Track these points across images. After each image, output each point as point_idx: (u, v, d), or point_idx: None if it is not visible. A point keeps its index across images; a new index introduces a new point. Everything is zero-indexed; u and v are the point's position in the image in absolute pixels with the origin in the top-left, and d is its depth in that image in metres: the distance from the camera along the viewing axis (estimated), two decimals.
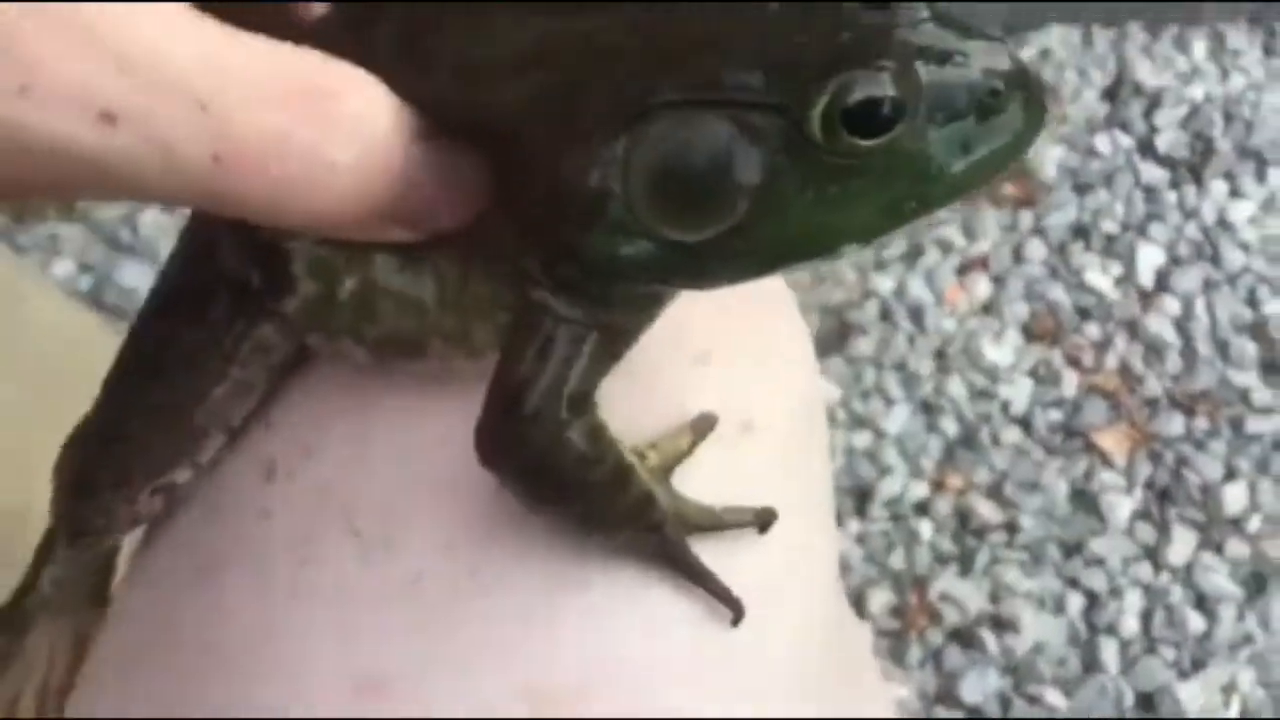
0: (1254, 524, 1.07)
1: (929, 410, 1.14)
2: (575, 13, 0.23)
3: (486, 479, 0.25)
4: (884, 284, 1.20)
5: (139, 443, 0.29)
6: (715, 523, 0.26)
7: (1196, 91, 1.30)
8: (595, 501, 0.25)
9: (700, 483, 0.27)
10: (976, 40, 0.22)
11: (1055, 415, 1.13)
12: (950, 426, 1.12)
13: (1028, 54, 1.33)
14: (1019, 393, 1.14)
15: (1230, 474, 1.09)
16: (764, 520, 0.27)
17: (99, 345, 0.34)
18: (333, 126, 0.21)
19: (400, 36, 0.24)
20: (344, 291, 0.26)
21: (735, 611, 0.26)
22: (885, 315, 1.19)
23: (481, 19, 0.24)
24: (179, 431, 0.29)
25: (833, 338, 1.18)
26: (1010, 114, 0.22)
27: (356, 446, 0.27)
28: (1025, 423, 1.13)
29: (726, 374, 0.29)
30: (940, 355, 1.17)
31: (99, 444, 0.30)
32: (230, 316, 0.28)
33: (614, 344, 0.25)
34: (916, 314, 1.18)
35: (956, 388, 1.14)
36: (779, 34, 0.22)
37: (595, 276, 0.23)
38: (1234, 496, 1.07)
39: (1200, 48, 1.33)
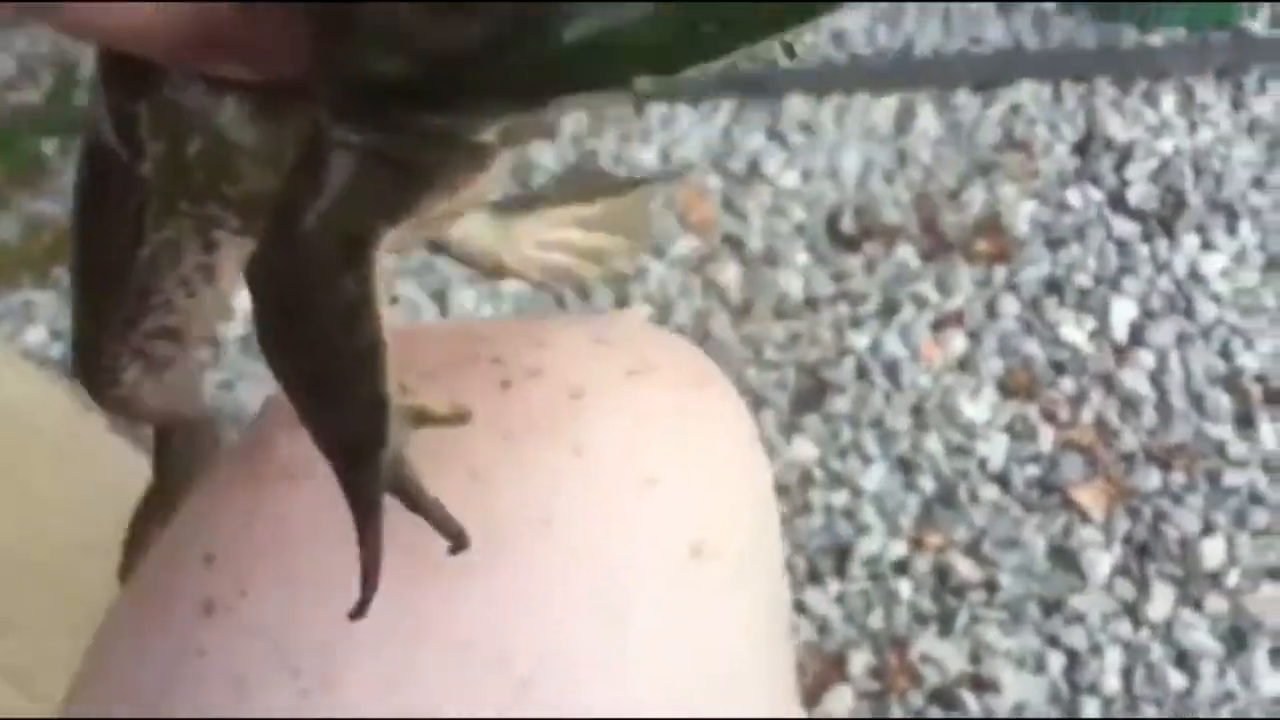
0: (1232, 578, 1.06)
1: (906, 468, 1.13)
2: None
3: (429, 617, 0.24)
4: (859, 341, 1.20)
5: (98, 319, 0.31)
6: (419, 492, 0.23)
7: (1166, 145, 1.31)
8: (331, 372, 0.22)
9: (646, 610, 0.26)
10: None
11: (1032, 471, 1.13)
12: (928, 484, 1.12)
13: (999, 109, 1.35)
14: (996, 449, 1.14)
15: (1208, 528, 1.09)
16: (457, 541, 0.23)
17: (65, 412, 0.35)
18: None
19: None
20: (192, 148, 0.25)
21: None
22: (861, 373, 1.19)
23: None
24: (123, 299, 0.30)
25: (809, 396, 1.18)
26: None
27: (294, 586, 0.27)
28: (1003, 479, 1.13)
29: (675, 497, 0.28)
30: (917, 412, 1.17)
31: (77, 341, 0.33)
32: (121, 191, 0.28)
33: (407, 186, 0.22)
34: (892, 370, 1.18)
35: (933, 444, 1.14)
36: None
37: (362, 96, 0.21)
38: (1212, 551, 1.07)
39: (1169, 102, 1.35)
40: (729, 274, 1.25)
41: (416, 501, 0.23)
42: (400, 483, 0.22)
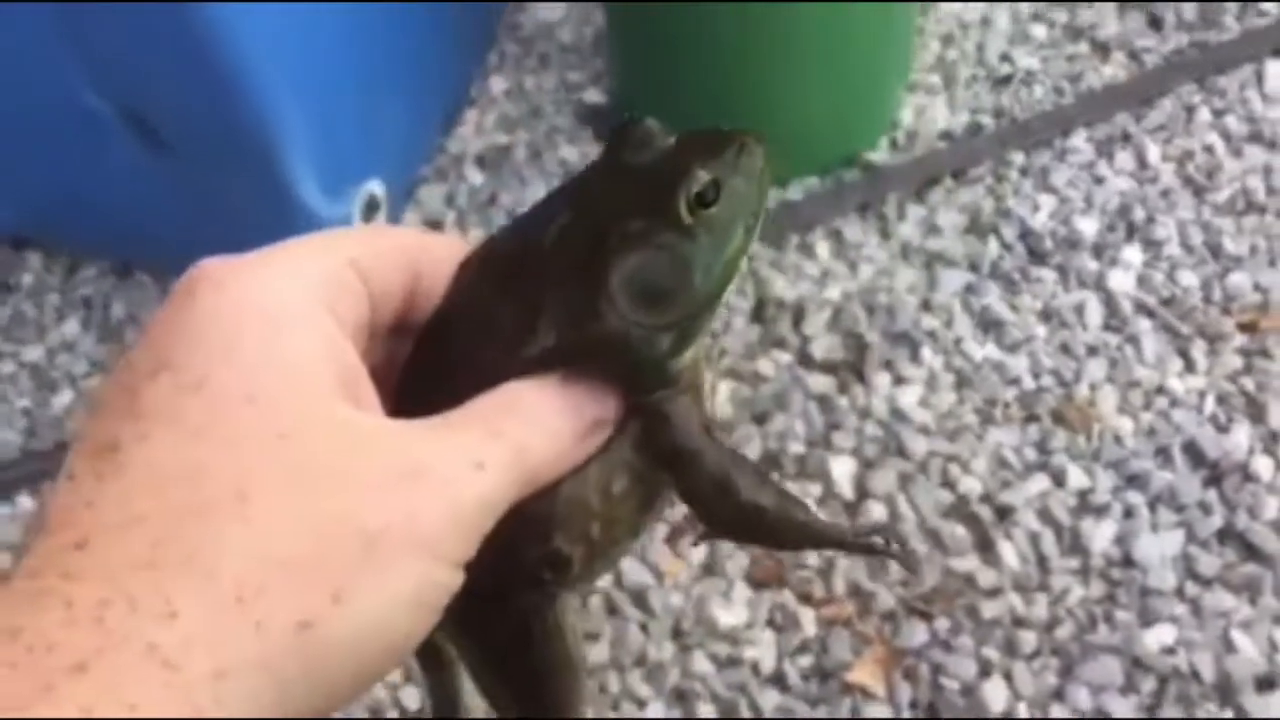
0: (1022, 712, 1.05)
1: (682, 698, 1.08)
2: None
3: None
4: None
5: None
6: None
7: (834, 292, 1.34)
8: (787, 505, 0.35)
9: None
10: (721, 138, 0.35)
11: (805, 661, 1.10)
12: (707, 710, 1.07)
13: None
14: (764, 650, 1.10)
15: (984, 668, 1.08)
16: None
17: None
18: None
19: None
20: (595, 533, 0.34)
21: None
22: (612, 609, 1.14)
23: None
24: None
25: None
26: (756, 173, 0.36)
27: None
28: (779, 680, 1.09)
29: None
30: (678, 634, 1.12)
31: None
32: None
33: (696, 392, 0.35)
34: (641, 599, 1.14)
35: (703, 664, 1.10)
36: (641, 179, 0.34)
37: (653, 375, 0.33)
38: (994, 692, 1.06)
39: (824, 249, 1.38)
40: None
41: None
42: None
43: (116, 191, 1.25)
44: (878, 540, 0.36)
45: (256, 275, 0.28)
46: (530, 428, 0.30)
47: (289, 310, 0.27)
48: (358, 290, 0.30)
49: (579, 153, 1.48)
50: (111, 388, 0.27)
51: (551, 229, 0.33)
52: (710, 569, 1.16)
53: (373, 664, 0.27)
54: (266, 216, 1.22)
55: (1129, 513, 1.16)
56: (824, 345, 1.30)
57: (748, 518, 0.34)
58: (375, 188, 1.31)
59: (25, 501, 1.23)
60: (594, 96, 1.56)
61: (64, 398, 1.31)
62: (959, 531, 1.16)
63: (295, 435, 0.26)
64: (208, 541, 0.24)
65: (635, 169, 0.33)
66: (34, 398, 1.32)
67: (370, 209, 1.31)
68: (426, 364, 0.33)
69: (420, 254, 0.32)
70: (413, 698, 1.09)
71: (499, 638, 0.36)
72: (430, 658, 0.45)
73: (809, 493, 1.19)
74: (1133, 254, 1.35)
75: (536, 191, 1.44)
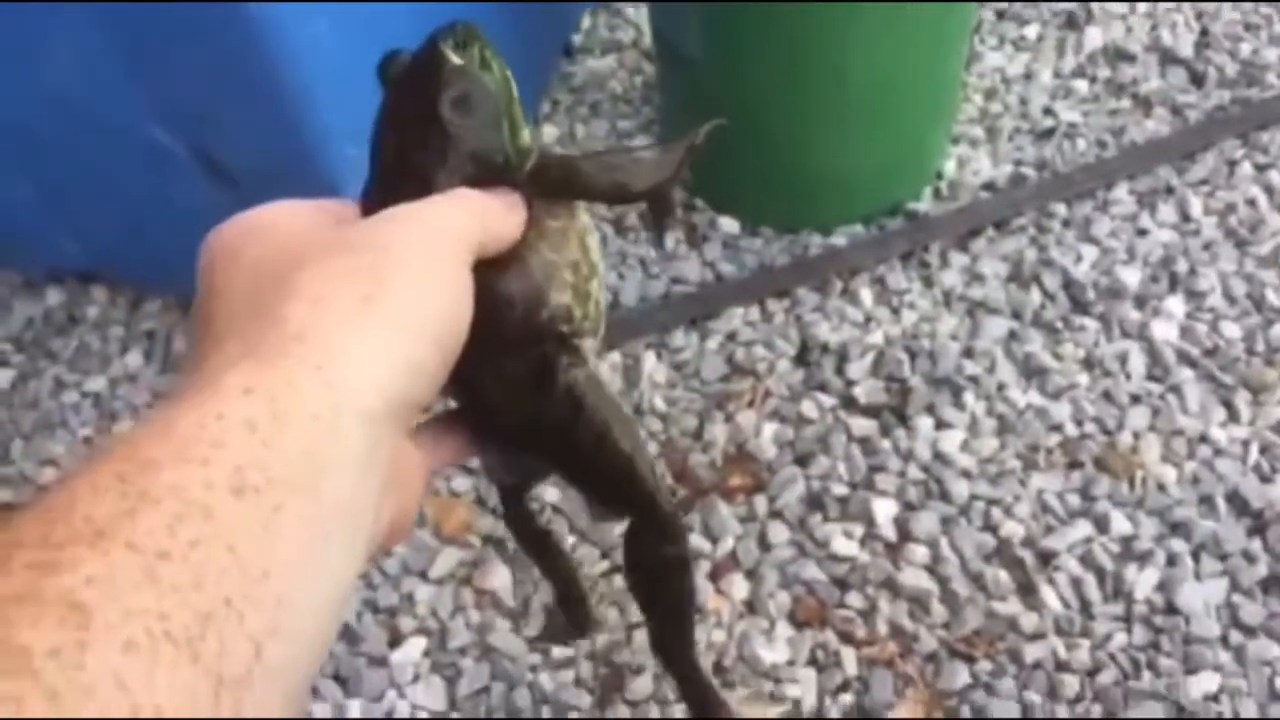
0: None
1: None
2: None
3: None
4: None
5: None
6: None
7: (877, 337, 1.36)
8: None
9: None
10: None
11: (847, 699, 1.11)
12: None
13: (716, 340, 1.37)
14: (806, 688, 1.11)
15: (1026, 713, 1.08)
16: None
17: None
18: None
19: None
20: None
21: None
22: None
23: None
24: None
25: (609, 685, 1.13)
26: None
27: None
28: (820, 717, 1.09)
29: None
30: (719, 670, 1.13)
31: None
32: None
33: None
34: None
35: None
36: None
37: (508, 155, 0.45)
38: None
39: (867, 295, 1.40)
40: (499, 578, 1.20)
41: None
42: None
43: (182, 227, 1.28)
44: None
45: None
46: (477, 202, 0.41)
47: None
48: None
49: None
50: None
51: (392, 124, 0.45)
52: (753, 607, 1.17)
53: (440, 328, 0.36)
54: None
55: (1172, 560, 1.17)
56: (866, 389, 1.31)
57: (602, 181, 0.45)
58: None
59: None
60: (643, 144, 1.59)
61: (125, 427, 1.35)
62: (1002, 575, 1.16)
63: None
64: (303, 283, 0.36)
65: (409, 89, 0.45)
66: (96, 426, 1.36)
67: None
68: (379, 189, 0.44)
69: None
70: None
71: (556, 420, 0.43)
72: (541, 546, 0.56)
73: (851, 535, 1.21)
74: (1175, 305, 1.36)
75: None
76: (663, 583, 0.50)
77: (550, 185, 0.44)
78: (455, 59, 0.43)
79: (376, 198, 0.43)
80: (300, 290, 0.34)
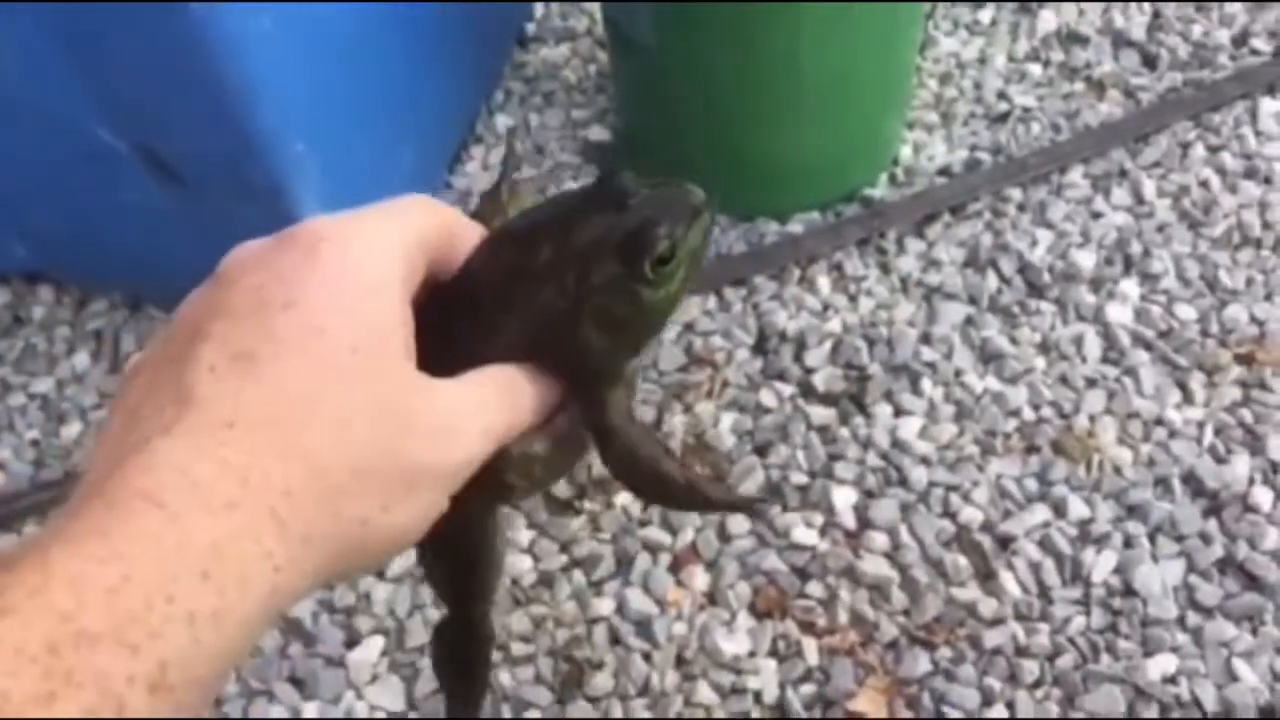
0: None
1: None
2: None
3: None
4: (604, 606, 1.16)
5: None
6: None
7: (834, 324, 1.36)
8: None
9: None
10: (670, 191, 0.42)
11: (808, 690, 1.10)
12: None
13: (672, 331, 1.36)
14: (767, 679, 1.11)
15: (986, 698, 1.08)
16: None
17: None
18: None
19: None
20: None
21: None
22: (615, 638, 1.14)
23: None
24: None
25: (569, 681, 1.12)
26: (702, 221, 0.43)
27: None
28: (781, 708, 1.09)
29: None
30: (681, 663, 1.13)
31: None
32: None
33: (628, 386, 0.45)
34: (645, 628, 1.14)
35: (706, 693, 1.10)
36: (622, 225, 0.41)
37: (606, 379, 0.43)
38: None
39: (824, 282, 1.40)
40: None
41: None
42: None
43: (128, 226, 1.27)
44: (752, 501, 0.55)
45: (357, 239, 0.37)
46: (518, 405, 0.40)
47: (379, 280, 0.37)
48: (419, 265, 0.39)
49: None
50: (245, 303, 0.35)
51: (545, 249, 0.41)
52: (713, 598, 1.16)
53: (386, 555, 0.37)
54: None
55: (1129, 543, 1.17)
56: (825, 377, 1.31)
57: (652, 483, 0.45)
58: None
59: (33, 530, 1.24)
60: (598, 134, 1.58)
61: (73, 429, 1.33)
62: (961, 561, 1.17)
63: (382, 384, 0.35)
64: (316, 447, 0.34)
65: (615, 217, 0.41)
66: (43, 429, 1.33)
67: None
68: (445, 326, 0.41)
69: (453, 232, 0.41)
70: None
71: (448, 534, 0.44)
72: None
73: (811, 523, 1.20)
74: (1130, 287, 1.36)
75: None
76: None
77: (598, 424, 0.44)
78: (663, 245, 0.40)
79: (443, 302, 0.41)
80: (324, 461, 0.34)
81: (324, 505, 0.33)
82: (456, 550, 0.51)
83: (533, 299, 0.41)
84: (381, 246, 0.37)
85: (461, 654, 0.61)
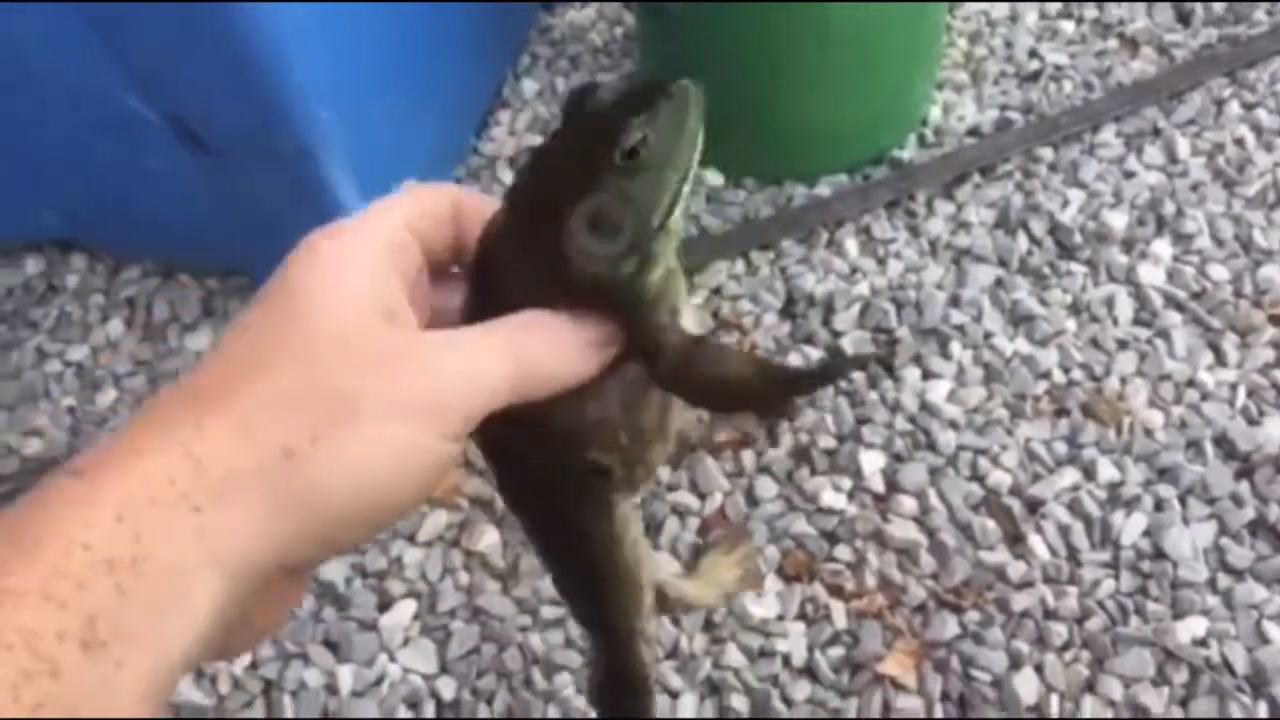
0: (1054, 706, 1.06)
1: (715, 691, 1.09)
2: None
3: None
4: None
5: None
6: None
7: (863, 288, 1.35)
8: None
9: None
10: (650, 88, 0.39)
11: (836, 652, 1.11)
12: (740, 703, 1.08)
13: (701, 296, 1.36)
14: (795, 642, 1.11)
15: (1014, 661, 1.08)
16: None
17: None
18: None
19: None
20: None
21: None
22: None
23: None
24: None
25: None
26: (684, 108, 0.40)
27: None
28: (810, 671, 1.10)
29: None
30: (710, 626, 1.13)
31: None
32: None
33: (671, 304, 0.40)
34: None
35: (735, 657, 1.11)
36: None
37: (627, 295, 0.39)
38: (1025, 685, 1.07)
39: (853, 245, 1.39)
40: (487, 539, 1.20)
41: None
42: None
43: (159, 195, 1.28)
44: (830, 366, 0.47)
45: (341, 238, 0.37)
46: (530, 338, 0.38)
47: (352, 262, 0.37)
48: (411, 246, 0.39)
49: None
50: (266, 289, 0.36)
51: (520, 191, 0.40)
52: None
53: (359, 510, 0.34)
54: (305, 218, 1.23)
55: (1160, 505, 1.16)
56: (853, 340, 1.31)
57: (713, 390, 0.40)
58: None
59: None
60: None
61: (108, 396, 1.34)
62: (989, 525, 1.16)
63: (331, 334, 0.34)
64: (243, 393, 0.33)
65: (583, 129, 0.39)
66: (79, 396, 1.35)
67: None
68: (472, 304, 0.40)
69: (460, 207, 0.41)
70: (449, 687, 1.11)
71: (567, 548, 0.41)
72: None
73: (839, 487, 1.21)
74: (1162, 248, 1.35)
75: None
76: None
77: (642, 346, 0.40)
78: (619, 161, 0.38)
79: (488, 240, 0.40)
80: (241, 400, 0.33)
81: (239, 437, 0.32)
82: (581, 564, 0.46)
83: (539, 238, 0.38)
84: (356, 236, 0.37)
85: (616, 696, 0.54)
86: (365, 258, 0.37)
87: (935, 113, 1.51)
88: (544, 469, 0.41)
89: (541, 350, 0.38)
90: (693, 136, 0.40)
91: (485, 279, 0.40)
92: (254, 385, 0.33)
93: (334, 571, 1.18)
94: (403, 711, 1.11)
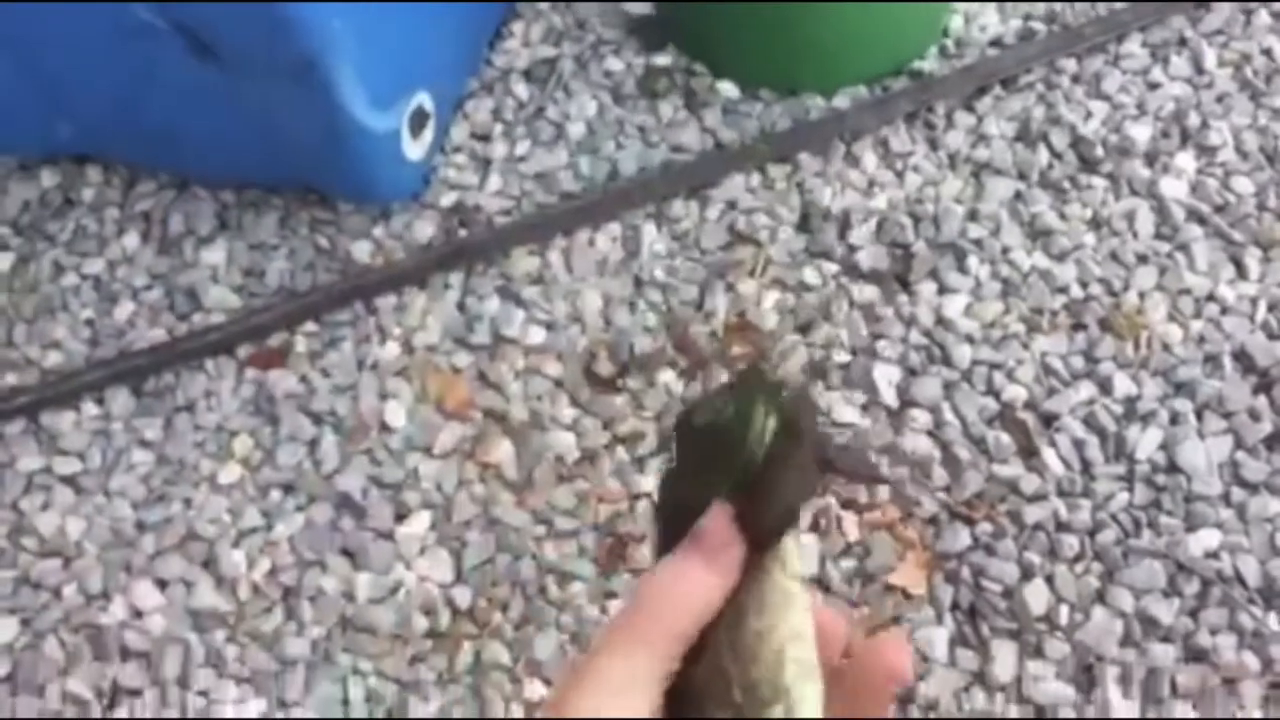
0: (1063, 616, 1.07)
1: None
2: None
3: None
4: (647, 483, 1.17)
5: None
6: None
7: (880, 201, 1.34)
8: None
9: None
10: None
11: (848, 564, 1.12)
12: None
13: (717, 209, 1.35)
14: (807, 552, 1.12)
15: (1026, 572, 1.09)
16: None
17: None
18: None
19: None
20: None
21: None
22: None
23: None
24: None
25: (613, 555, 1.14)
26: None
27: None
28: (821, 583, 1.11)
29: None
30: None
31: None
32: None
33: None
34: None
35: None
36: None
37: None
38: (1035, 595, 1.07)
39: (870, 159, 1.37)
40: (500, 451, 1.21)
41: None
42: None
43: (173, 108, 1.27)
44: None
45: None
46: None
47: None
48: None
49: (624, 64, 1.47)
50: None
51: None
52: None
53: None
54: (317, 129, 1.23)
55: (1176, 419, 1.16)
56: (869, 255, 1.30)
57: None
58: (423, 101, 1.32)
59: (90, 408, 1.27)
60: (640, 8, 1.55)
61: (125, 309, 1.35)
62: (1003, 438, 1.16)
63: None
64: None
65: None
66: (96, 309, 1.35)
67: (418, 122, 1.32)
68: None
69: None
70: (464, 596, 1.13)
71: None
72: None
73: (853, 401, 1.20)
74: (1186, 160, 1.33)
75: (583, 103, 1.44)
76: None
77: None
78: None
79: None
80: None
81: None
82: None
83: None
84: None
85: None
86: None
87: (957, 22, 1.48)
88: None
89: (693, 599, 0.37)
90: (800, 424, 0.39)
91: None
92: None
93: (351, 483, 1.19)
94: (419, 619, 1.12)
